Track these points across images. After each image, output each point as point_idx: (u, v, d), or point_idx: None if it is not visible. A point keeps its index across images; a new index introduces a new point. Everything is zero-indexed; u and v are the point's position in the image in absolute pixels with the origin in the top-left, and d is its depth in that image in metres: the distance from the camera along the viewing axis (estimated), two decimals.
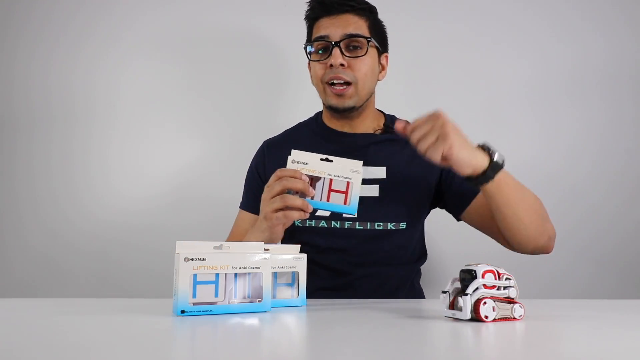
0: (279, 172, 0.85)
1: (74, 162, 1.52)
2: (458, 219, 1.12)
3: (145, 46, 1.55)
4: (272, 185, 0.85)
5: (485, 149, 0.87)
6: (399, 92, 1.52)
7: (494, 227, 1.02)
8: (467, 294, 0.63)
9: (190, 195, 1.53)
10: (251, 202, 1.15)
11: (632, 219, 1.55)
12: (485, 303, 0.63)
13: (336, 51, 1.01)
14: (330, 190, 0.84)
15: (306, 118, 1.22)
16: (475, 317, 0.63)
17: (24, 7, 1.54)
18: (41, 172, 1.52)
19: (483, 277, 0.64)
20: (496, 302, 0.64)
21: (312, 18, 1.08)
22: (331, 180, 0.83)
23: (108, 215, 1.51)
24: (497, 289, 0.65)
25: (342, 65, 1.01)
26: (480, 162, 0.85)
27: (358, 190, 0.84)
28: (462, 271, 0.65)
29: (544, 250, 1.00)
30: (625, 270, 1.54)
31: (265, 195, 0.86)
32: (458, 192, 1.07)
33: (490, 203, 0.93)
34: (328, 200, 0.83)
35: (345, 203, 0.83)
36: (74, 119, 1.53)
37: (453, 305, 0.65)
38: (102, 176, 1.53)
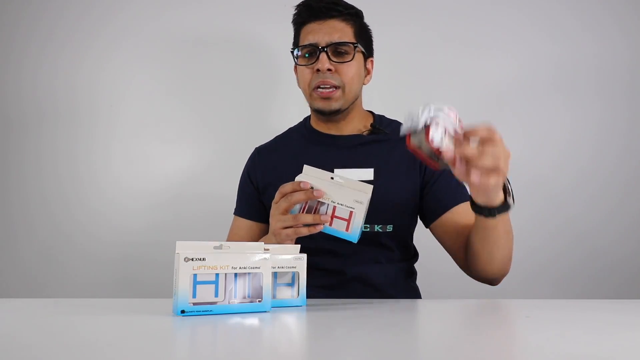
0: (281, 188, 0.85)
1: (78, 160, 1.54)
2: (427, 226, 1.13)
3: (146, 50, 1.57)
4: (279, 203, 0.85)
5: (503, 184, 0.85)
6: (387, 91, 1.53)
7: (455, 247, 1.04)
8: (428, 108, 0.63)
9: (189, 194, 1.54)
10: (245, 208, 1.16)
11: (625, 218, 1.56)
12: (437, 124, 0.62)
13: (323, 56, 1.03)
14: (333, 216, 0.83)
15: (298, 120, 1.23)
16: (424, 136, 0.62)
17: (33, 12, 1.56)
18: (48, 171, 1.53)
19: (449, 112, 0.64)
20: (448, 135, 0.64)
21: (299, 22, 1.10)
22: (335, 207, 0.83)
23: (109, 215, 1.52)
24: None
25: (329, 70, 1.03)
26: (495, 197, 0.81)
27: (361, 219, 0.82)
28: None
29: (490, 283, 1.02)
30: (619, 269, 1.54)
31: (273, 212, 0.87)
32: (436, 198, 1.08)
33: (476, 232, 0.92)
34: (331, 225, 0.83)
35: (347, 230, 0.83)
36: (79, 119, 1.55)
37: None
38: (106, 175, 1.54)
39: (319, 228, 0.82)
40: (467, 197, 1.09)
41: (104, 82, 1.56)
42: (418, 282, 1.17)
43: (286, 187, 0.84)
